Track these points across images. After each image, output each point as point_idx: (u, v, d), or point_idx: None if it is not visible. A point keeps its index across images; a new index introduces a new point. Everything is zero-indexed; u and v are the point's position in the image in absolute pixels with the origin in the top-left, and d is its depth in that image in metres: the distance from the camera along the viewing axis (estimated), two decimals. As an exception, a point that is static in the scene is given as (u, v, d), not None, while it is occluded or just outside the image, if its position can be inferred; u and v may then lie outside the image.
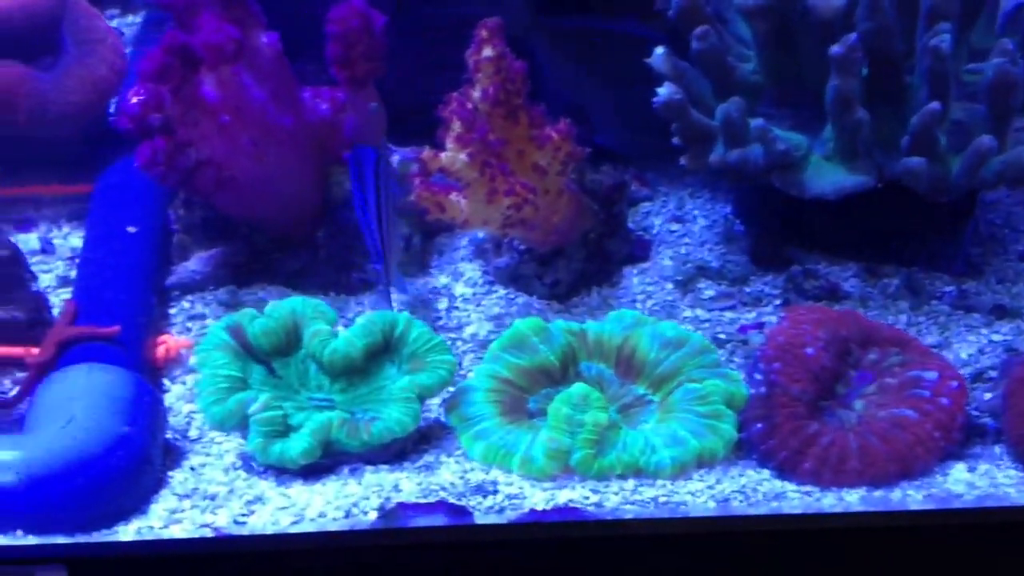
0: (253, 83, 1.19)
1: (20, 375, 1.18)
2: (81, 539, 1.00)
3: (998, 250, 1.41)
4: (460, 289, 1.34)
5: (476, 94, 1.23)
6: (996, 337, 1.27)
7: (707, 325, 1.28)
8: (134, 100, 1.14)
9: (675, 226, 1.45)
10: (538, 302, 1.32)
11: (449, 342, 1.20)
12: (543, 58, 1.47)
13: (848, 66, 1.22)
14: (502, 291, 1.34)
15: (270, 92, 1.20)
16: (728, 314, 1.31)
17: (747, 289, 1.34)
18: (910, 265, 1.34)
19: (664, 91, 1.29)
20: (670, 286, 1.35)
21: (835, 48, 1.22)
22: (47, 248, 1.37)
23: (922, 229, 1.35)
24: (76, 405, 1.05)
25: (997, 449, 1.15)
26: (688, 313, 1.31)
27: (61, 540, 0.99)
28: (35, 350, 1.16)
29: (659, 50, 1.32)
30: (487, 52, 1.21)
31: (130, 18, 1.87)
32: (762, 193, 1.36)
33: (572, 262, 1.34)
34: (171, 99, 1.13)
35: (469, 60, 1.23)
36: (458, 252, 1.40)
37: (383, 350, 1.12)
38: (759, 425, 1.12)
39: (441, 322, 1.29)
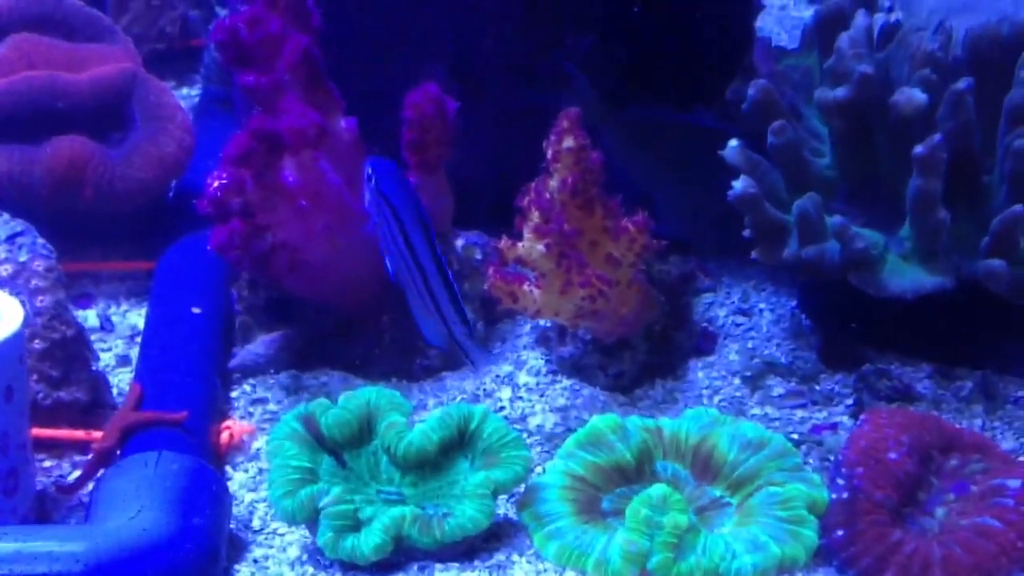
0: (331, 168, 1.18)
1: (79, 458, 1.16)
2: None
3: (1074, 353, 1.39)
4: (523, 378, 1.32)
5: (554, 184, 1.22)
6: (1075, 444, 1.24)
7: (777, 423, 1.26)
8: (216, 184, 1.13)
9: (741, 319, 1.42)
10: (602, 394, 1.29)
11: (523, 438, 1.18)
12: (611, 147, 1.47)
13: (932, 166, 1.21)
14: (566, 381, 1.31)
15: (346, 177, 1.19)
16: (799, 412, 1.28)
17: (817, 387, 1.31)
18: (982, 367, 1.32)
19: (739, 184, 1.28)
20: (737, 381, 1.32)
21: (919, 148, 1.21)
22: (106, 326, 1.35)
23: (996, 332, 1.32)
24: (144, 495, 1.02)
25: None
26: (757, 411, 1.28)
27: (125, 635, 0.97)
28: (97, 433, 1.14)
29: (733, 142, 1.31)
30: (568, 143, 1.20)
31: (185, 91, 1.88)
32: (832, 289, 1.34)
33: (637, 354, 1.32)
34: (252, 183, 1.12)
35: (548, 149, 1.22)
36: (521, 340, 1.38)
37: (457, 444, 1.09)
38: (840, 532, 1.08)
39: (505, 412, 1.26)
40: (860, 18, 1.31)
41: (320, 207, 1.18)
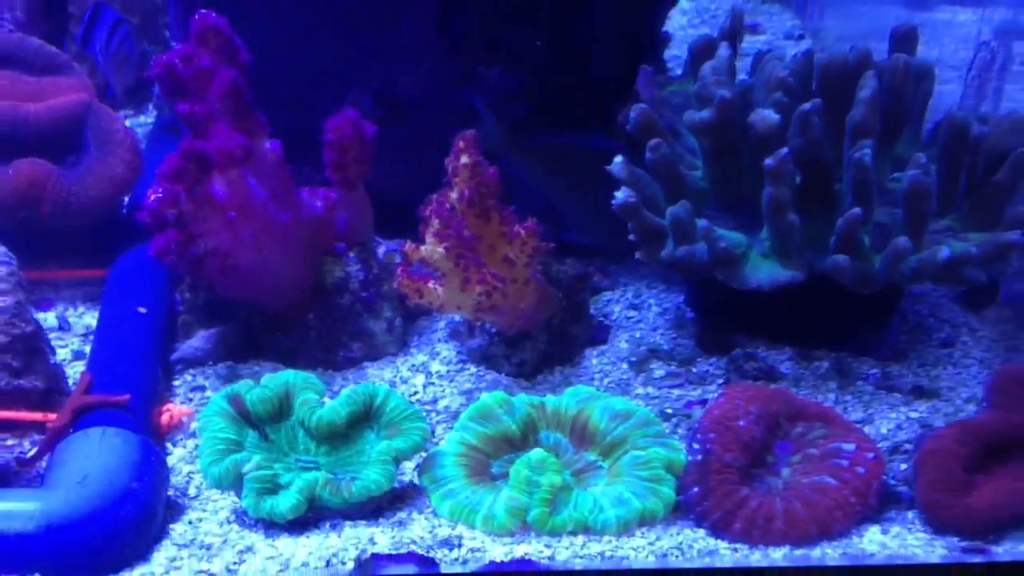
0: (257, 184, 1.35)
1: (37, 437, 1.31)
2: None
3: (923, 337, 1.57)
4: (436, 367, 1.49)
5: (454, 195, 1.39)
6: (913, 415, 1.41)
7: (656, 401, 1.43)
8: (153, 197, 1.30)
9: (632, 313, 1.60)
10: (506, 379, 1.46)
11: (424, 413, 1.34)
12: (521, 168, 1.64)
13: (780, 176, 1.39)
14: (474, 369, 1.48)
15: (271, 191, 1.37)
16: (676, 391, 1.45)
17: (694, 370, 1.48)
18: (840, 350, 1.49)
19: (621, 194, 1.46)
20: (625, 366, 1.49)
21: (769, 161, 1.39)
22: (64, 326, 1.52)
23: (851, 318, 1.50)
24: (90, 464, 1.18)
25: (910, 514, 1.28)
26: (640, 391, 1.45)
27: (72, 583, 1.13)
28: (53, 415, 1.30)
29: (618, 159, 1.49)
30: (464, 159, 1.38)
31: (142, 118, 2.05)
32: (709, 285, 1.51)
33: (537, 344, 1.49)
34: (185, 197, 1.29)
35: (448, 166, 1.40)
36: (436, 334, 1.55)
37: (364, 418, 1.26)
38: (695, 489, 1.25)
39: (417, 396, 1.43)
40: (722, 50, 1.49)
41: (247, 218, 1.35)
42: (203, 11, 1.33)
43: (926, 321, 1.60)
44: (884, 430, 1.38)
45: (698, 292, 1.58)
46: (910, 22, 1.55)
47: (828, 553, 1.22)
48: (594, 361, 1.51)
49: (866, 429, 1.37)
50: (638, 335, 1.55)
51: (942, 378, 1.48)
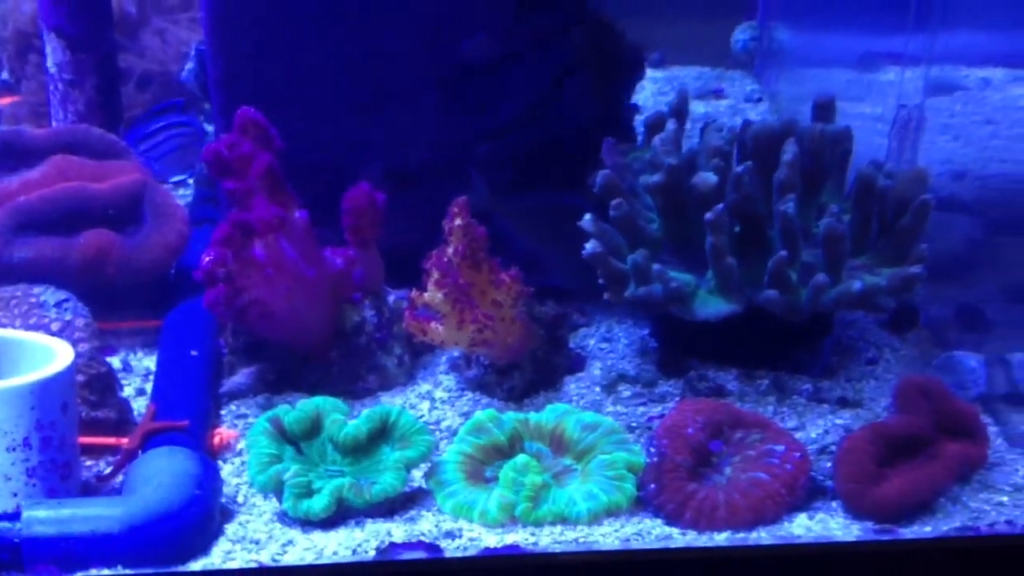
0: (289, 246, 1.64)
1: (111, 459, 1.59)
2: (163, 571, 1.40)
3: (853, 357, 1.83)
4: (439, 394, 1.76)
5: (450, 251, 1.68)
6: (839, 421, 1.67)
7: (624, 417, 1.69)
8: (207, 259, 1.59)
9: (604, 345, 1.88)
10: (498, 403, 1.73)
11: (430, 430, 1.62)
12: (508, 226, 1.93)
13: (718, 227, 1.67)
14: (471, 395, 1.75)
15: (301, 252, 1.65)
16: (640, 409, 1.71)
17: (655, 390, 1.75)
18: (778, 369, 1.77)
19: (590, 245, 1.74)
20: (598, 389, 1.76)
21: (708, 215, 1.67)
22: (127, 368, 1.80)
23: (787, 343, 1.77)
24: (161, 476, 1.45)
25: (834, 504, 1.52)
26: (610, 408, 1.72)
27: (149, 571, 1.40)
28: (125, 440, 1.58)
29: (587, 216, 1.77)
30: (458, 221, 1.66)
31: (181, 191, 2.35)
32: (667, 319, 1.78)
33: (524, 373, 1.76)
34: (232, 258, 1.59)
35: (445, 227, 1.69)
36: (439, 367, 1.83)
37: (381, 434, 1.54)
38: (652, 486, 1.52)
39: (424, 418, 1.70)
40: (670, 124, 1.78)
41: (281, 274, 1.63)
42: (244, 107, 1.63)
43: (856, 344, 1.87)
44: (813, 435, 1.65)
45: (659, 325, 1.86)
46: (829, 93, 1.84)
47: (762, 536, 1.48)
48: (572, 386, 1.78)
49: (798, 435, 1.63)
50: (609, 363, 1.82)
51: (866, 390, 1.75)
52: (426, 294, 1.67)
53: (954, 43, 2.18)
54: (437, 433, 1.65)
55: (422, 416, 1.70)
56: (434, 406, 1.73)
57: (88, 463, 1.57)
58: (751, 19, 2.92)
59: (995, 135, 2.21)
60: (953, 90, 2.27)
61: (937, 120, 2.20)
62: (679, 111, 1.82)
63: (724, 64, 2.95)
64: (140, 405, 1.68)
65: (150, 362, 1.79)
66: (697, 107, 2.76)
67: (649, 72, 2.97)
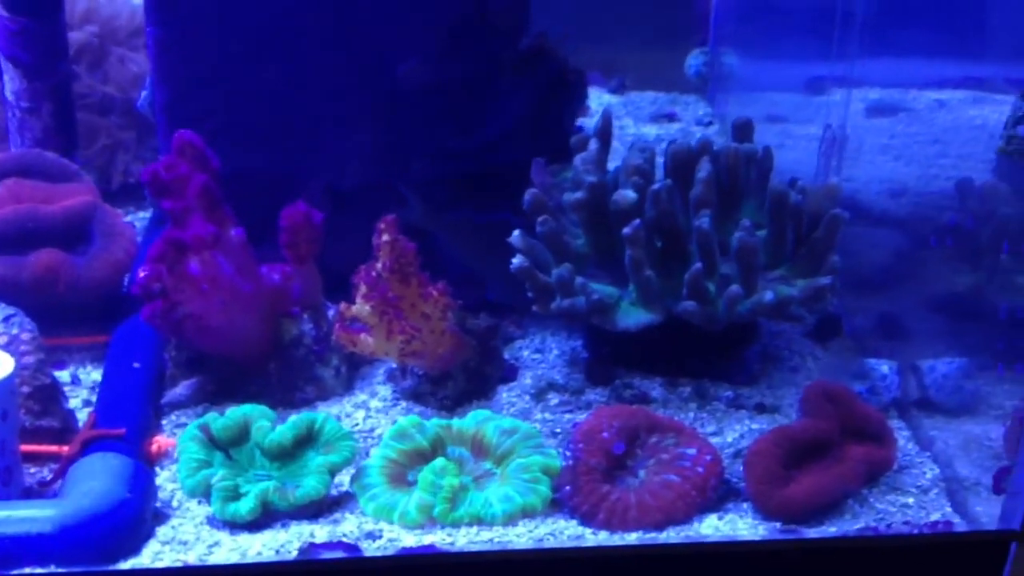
0: (225, 262, 1.71)
1: (54, 466, 1.66)
2: (95, 569, 1.47)
3: (776, 365, 1.90)
4: (374, 404, 1.83)
5: (379, 265, 1.76)
6: (755, 426, 1.74)
7: (551, 423, 1.76)
8: (142, 275, 1.66)
9: (537, 355, 1.95)
10: (432, 412, 1.80)
11: (362, 440, 1.69)
12: (446, 241, 2.00)
13: (636, 241, 1.75)
14: (405, 404, 1.82)
15: (237, 268, 1.73)
16: (567, 416, 1.78)
17: (583, 398, 1.82)
18: (701, 378, 1.83)
19: (516, 260, 1.81)
20: (528, 397, 1.83)
21: (626, 230, 1.74)
22: (75, 381, 1.86)
23: (710, 352, 1.84)
24: (94, 480, 1.52)
25: (745, 505, 1.59)
26: (539, 416, 1.79)
27: (79, 570, 1.46)
28: (66, 447, 1.65)
29: (516, 232, 1.85)
30: (385, 237, 1.74)
31: (140, 214, 2.44)
32: (597, 331, 1.86)
33: (458, 382, 1.83)
34: (167, 274, 1.66)
35: (374, 243, 1.76)
36: (376, 378, 1.90)
37: (307, 439, 1.61)
38: (568, 487, 1.58)
39: (358, 426, 1.77)
40: (592, 144, 1.85)
41: (217, 289, 1.71)
42: (182, 131, 1.72)
43: (781, 352, 1.94)
44: (730, 439, 1.71)
45: (589, 336, 1.93)
46: (745, 116, 1.92)
47: (671, 536, 1.54)
48: (504, 395, 1.84)
49: (716, 439, 1.70)
50: (540, 372, 1.89)
51: (785, 397, 1.82)
52: (354, 307, 1.74)
53: (901, 68, 2.26)
54: (369, 440, 1.72)
55: (356, 425, 1.77)
56: (369, 415, 1.80)
57: (32, 470, 1.64)
58: (703, 45, 3.00)
59: (944, 154, 2.27)
60: (896, 111, 2.34)
61: (877, 140, 2.27)
62: (603, 130, 1.90)
63: (679, 89, 3.03)
64: (86, 416, 1.75)
65: (98, 375, 1.87)
66: (651, 130, 2.85)
67: (608, 97, 3.07)
